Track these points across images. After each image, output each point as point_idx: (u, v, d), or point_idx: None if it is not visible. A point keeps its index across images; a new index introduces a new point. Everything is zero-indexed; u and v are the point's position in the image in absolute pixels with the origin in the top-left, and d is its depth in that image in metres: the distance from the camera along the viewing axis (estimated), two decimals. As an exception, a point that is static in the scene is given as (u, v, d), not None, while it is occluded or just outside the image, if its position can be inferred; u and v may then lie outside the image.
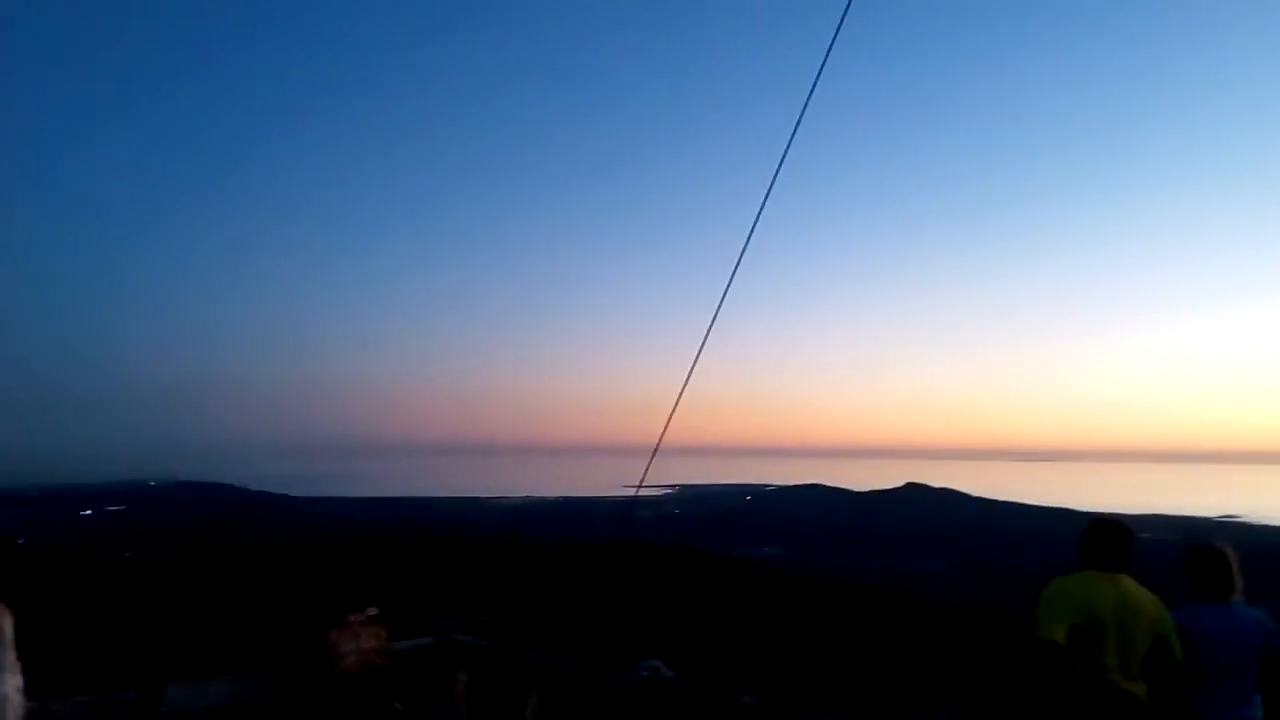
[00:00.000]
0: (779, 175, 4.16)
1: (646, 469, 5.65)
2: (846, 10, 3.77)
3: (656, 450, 5.21)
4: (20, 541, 57.91)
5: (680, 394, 4.81)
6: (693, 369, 4.62)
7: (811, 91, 4.05)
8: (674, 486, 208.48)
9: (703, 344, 4.61)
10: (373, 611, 4.17)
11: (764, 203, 4.25)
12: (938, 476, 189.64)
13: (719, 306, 4.56)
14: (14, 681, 2.49)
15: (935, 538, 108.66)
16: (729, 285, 4.41)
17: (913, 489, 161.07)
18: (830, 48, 3.90)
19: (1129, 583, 3.56)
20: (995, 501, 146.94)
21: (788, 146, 4.08)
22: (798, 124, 4.15)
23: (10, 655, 2.51)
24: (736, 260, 4.40)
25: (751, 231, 4.28)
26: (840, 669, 20.42)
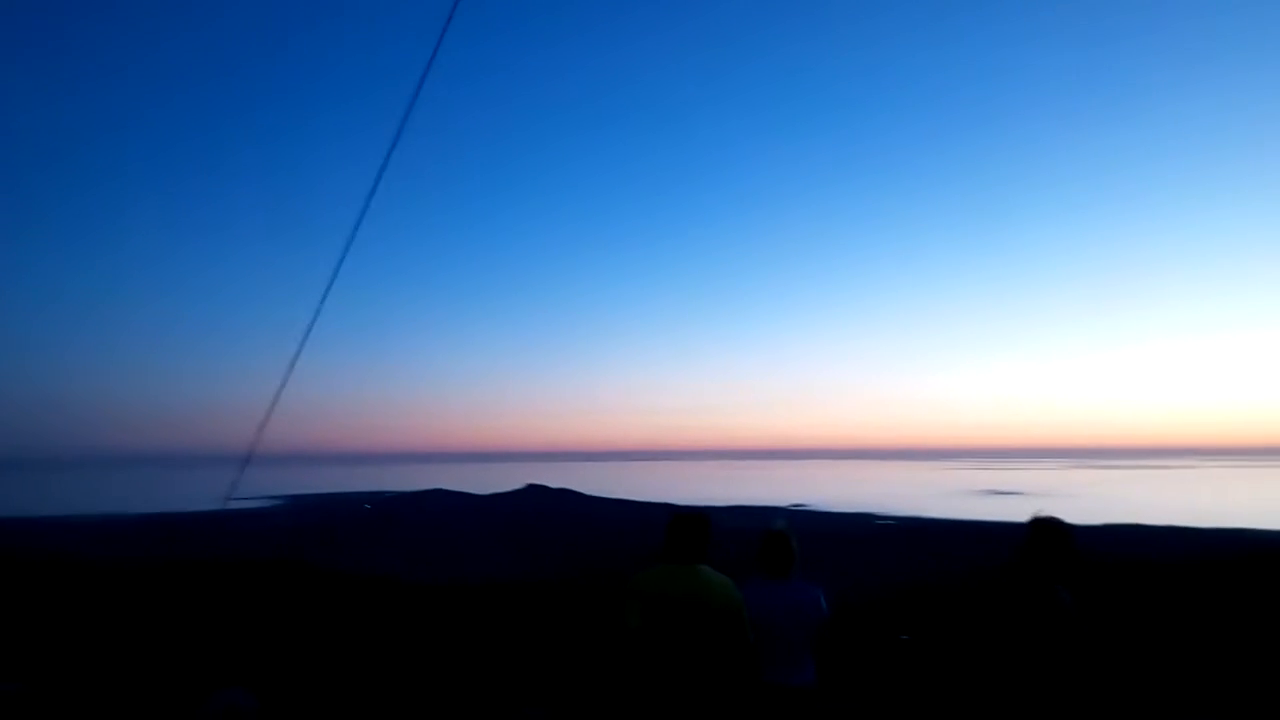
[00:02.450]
0: (383, 175, 4.06)
1: (237, 479, 5.16)
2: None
3: (249, 459, 4.76)
4: None
5: (276, 397, 4.46)
6: (289, 373, 4.31)
7: (417, 92, 4.00)
8: (283, 496, 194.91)
9: (301, 345, 4.33)
10: None
11: (368, 200, 4.10)
12: (556, 477, 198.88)
13: (320, 304, 4.32)
14: None
15: (554, 537, 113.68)
16: (331, 283, 4.19)
17: (533, 490, 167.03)
18: (436, 48, 3.89)
19: (705, 571, 3.92)
20: (607, 499, 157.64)
21: (393, 144, 3.99)
22: (405, 115, 4.07)
23: None
24: (340, 258, 4.20)
25: (355, 229, 4.11)
26: (463, 671, 20.44)
